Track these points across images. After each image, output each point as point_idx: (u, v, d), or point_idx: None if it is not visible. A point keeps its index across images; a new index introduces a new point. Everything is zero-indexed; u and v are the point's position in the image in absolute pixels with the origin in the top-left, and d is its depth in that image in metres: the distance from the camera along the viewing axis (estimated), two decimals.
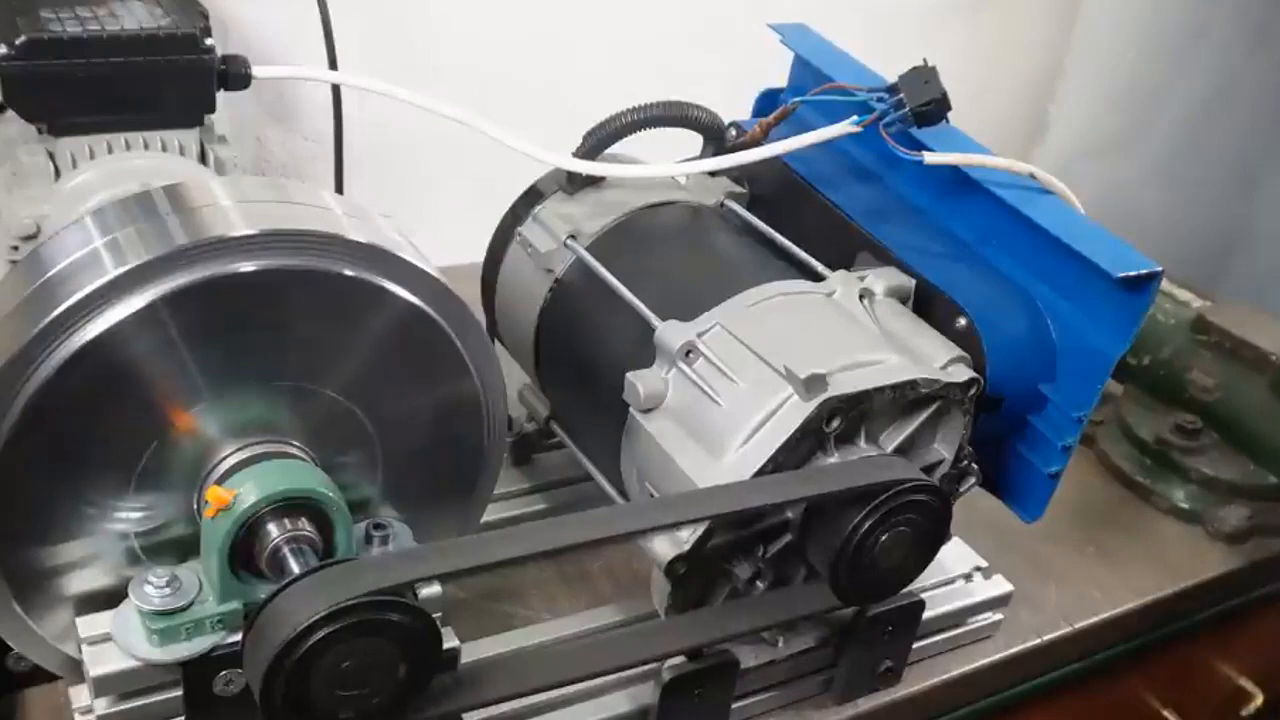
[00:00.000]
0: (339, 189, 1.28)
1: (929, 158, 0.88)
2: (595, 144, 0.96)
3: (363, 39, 1.30)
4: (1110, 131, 1.85)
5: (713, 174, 1.01)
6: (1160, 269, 0.82)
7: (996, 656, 0.98)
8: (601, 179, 0.97)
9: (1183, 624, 1.15)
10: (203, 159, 0.98)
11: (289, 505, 0.68)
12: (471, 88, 1.13)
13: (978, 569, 0.99)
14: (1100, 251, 0.83)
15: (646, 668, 0.80)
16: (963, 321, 0.85)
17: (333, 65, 1.19)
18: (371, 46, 1.34)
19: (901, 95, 0.87)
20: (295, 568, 0.66)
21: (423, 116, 0.96)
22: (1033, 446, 0.89)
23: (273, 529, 0.67)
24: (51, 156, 0.93)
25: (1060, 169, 0.92)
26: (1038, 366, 0.87)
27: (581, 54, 1.50)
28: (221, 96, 0.96)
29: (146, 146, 0.95)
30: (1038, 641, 1.01)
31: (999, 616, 1.00)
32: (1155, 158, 1.82)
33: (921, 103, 0.87)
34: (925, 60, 0.89)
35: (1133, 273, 0.81)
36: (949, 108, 0.88)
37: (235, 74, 0.96)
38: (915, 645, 0.92)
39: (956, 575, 0.98)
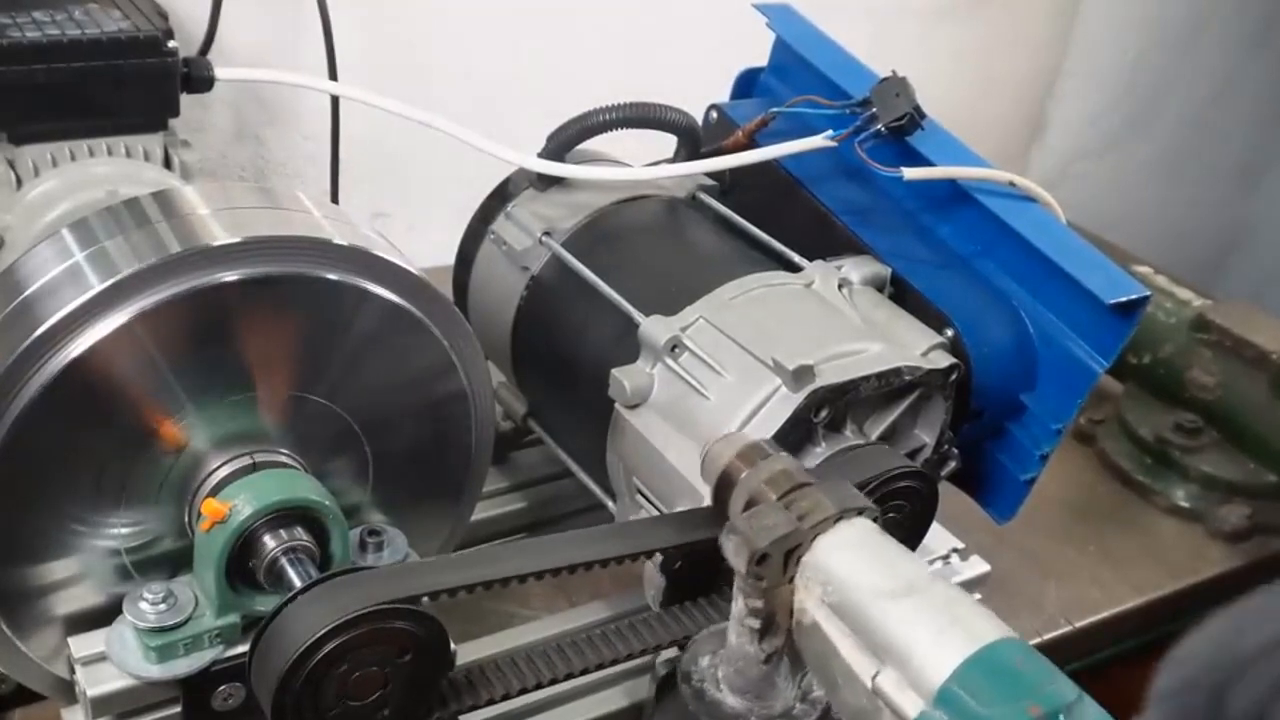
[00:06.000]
0: (335, 189, 1.27)
1: (907, 173, 0.89)
2: (560, 144, 0.95)
3: (363, 44, 1.30)
4: (1110, 130, 1.87)
5: None
6: (1149, 294, 0.83)
7: None
8: None
9: (1183, 623, 1.15)
10: (166, 163, 0.96)
11: (284, 515, 0.67)
12: (469, 88, 1.13)
13: (955, 550, 1.01)
14: (1091, 274, 0.84)
15: (641, 663, 0.80)
16: (950, 333, 0.85)
17: (333, 71, 1.18)
18: (371, 50, 1.33)
19: (875, 110, 0.88)
20: (295, 578, 0.66)
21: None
22: (1010, 453, 0.91)
23: (269, 540, 0.67)
24: (12, 165, 0.91)
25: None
26: (1020, 376, 0.88)
27: (576, 46, 1.49)
28: (219, 97, 0.94)
29: (110, 152, 0.93)
30: (1038, 641, 1.01)
31: (977, 597, 1.01)
32: (1155, 156, 1.84)
33: (894, 118, 0.88)
34: (894, 71, 0.90)
35: (1124, 299, 0.83)
36: (922, 118, 0.89)
37: (198, 76, 0.94)
38: None
39: (936, 557, 0.99)
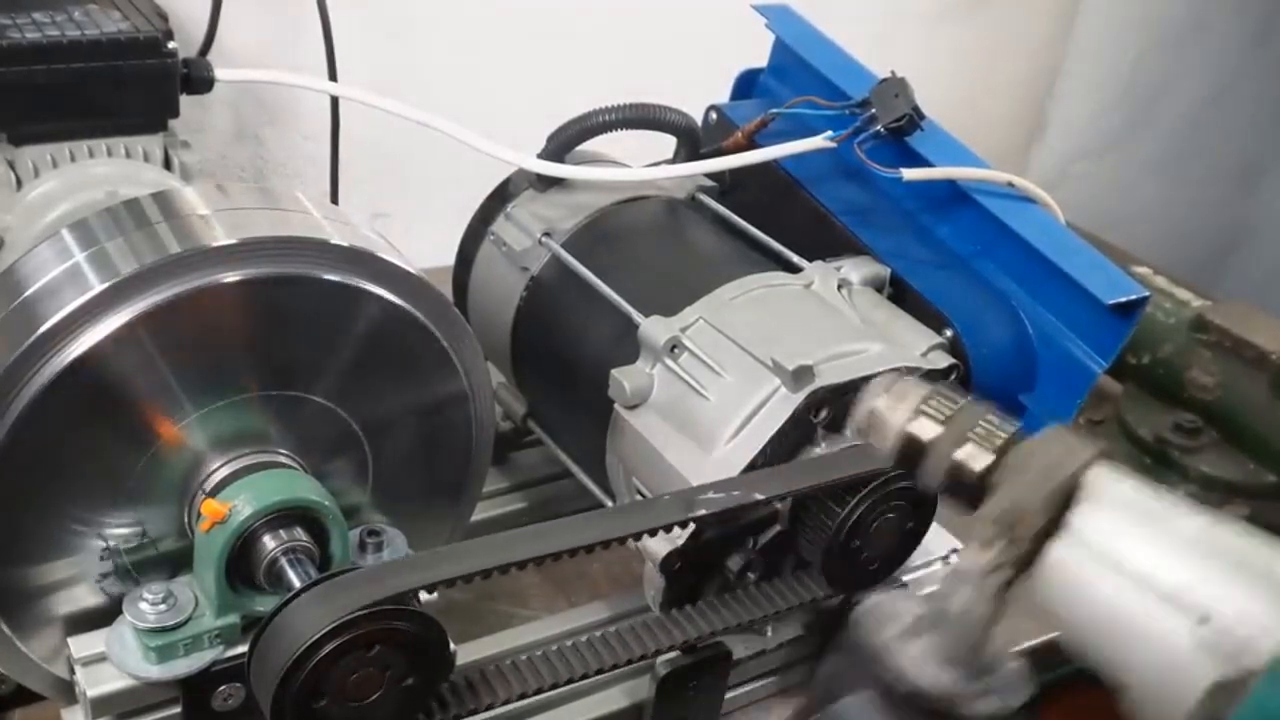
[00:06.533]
0: (335, 189, 1.27)
1: (907, 174, 0.89)
2: (560, 145, 0.95)
3: (363, 45, 1.30)
4: (1110, 130, 1.86)
5: None
6: (1148, 294, 0.84)
7: None
8: None
9: None
10: (166, 164, 0.96)
11: (284, 516, 0.67)
12: (469, 88, 1.13)
13: (954, 550, 1.00)
14: (1090, 274, 0.84)
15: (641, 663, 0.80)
16: (949, 333, 0.86)
17: (332, 71, 1.19)
18: (371, 50, 1.33)
19: (874, 111, 0.88)
20: (294, 579, 0.66)
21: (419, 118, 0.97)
22: None
23: (269, 541, 0.67)
24: (12, 166, 0.90)
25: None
26: (1019, 376, 0.89)
27: (576, 47, 1.50)
28: (219, 97, 0.94)
29: (109, 153, 0.93)
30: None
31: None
32: (1155, 156, 1.84)
33: (893, 119, 0.88)
34: (893, 72, 0.90)
35: (1123, 299, 0.83)
36: (922, 119, 0.89)
37: (198, 77, 0.94)
38: None
39: (935, 558, 0.99)
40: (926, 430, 0.55)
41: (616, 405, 0.82)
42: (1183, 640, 0.48)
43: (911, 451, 0.56)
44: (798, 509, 0.78)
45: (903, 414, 0.56)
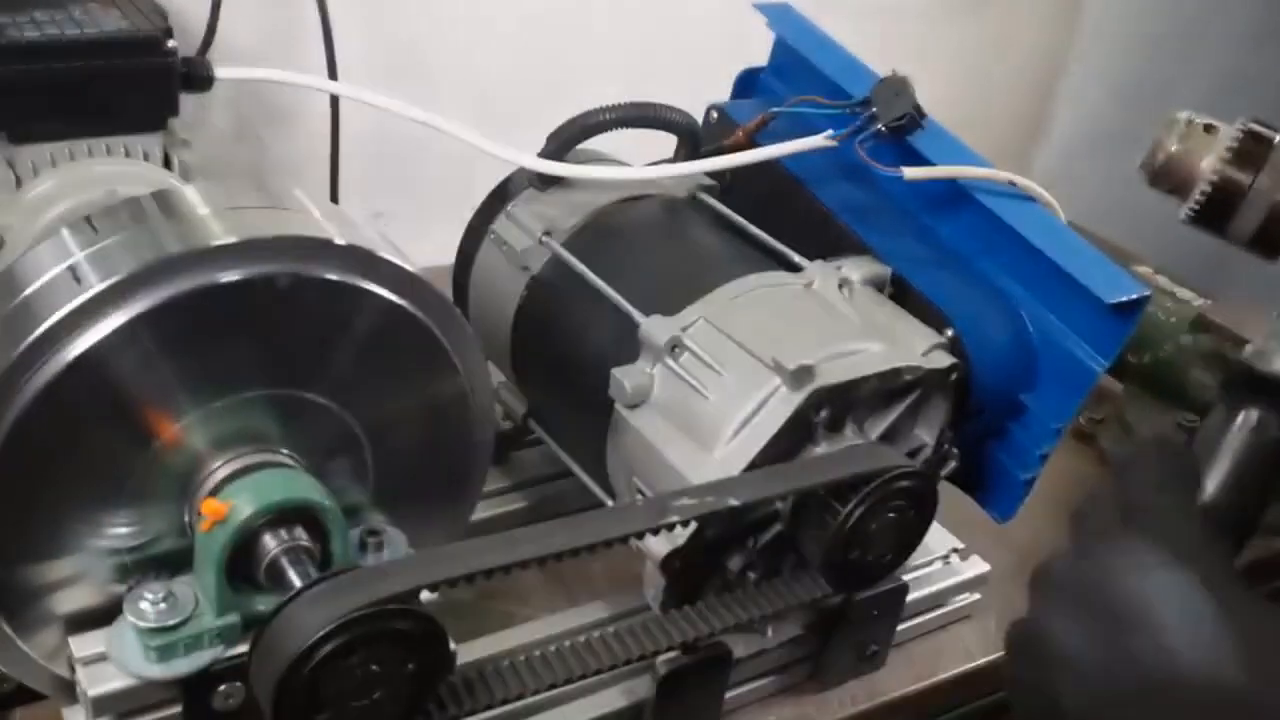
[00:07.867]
0: (335, 189, 1.27)
1: (908, 173, 0.89)
2: (560, 144, 0.95)
3: (363, 44, 1.30)
4: (1113, 128, 1.86)
5: None
6: (1149, 293, 0.84)
7: (995, 656, 0.97)
8: None
9: None
10: (166, 163, 0.96)
11: (285, 515, 0.67)
12: (470, 88, 1.13)
13: (955, 551, 1.01)
14: (1091, 273, 0.84)
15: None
16: (950, 333, 0.85)
17: (332, 70, 1.19)
18: (371, 49, 1.33)
19: (875, 110, 0.88)
20: (295, 579, 0.66)
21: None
22: (1010, 452, 0.90)
23: (269, 540, 0.67)
24: (11, 165, 0.90)
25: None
26: (1020, 376, 0.88)
27: (577, 47, 1.50)
28: (219, 96, 0.95)
29: (109, 152, 0.93)
30: None
31: (977, 596, 1.01)
32: None
33: (894, 118, 0.88)
34: (894, 71, 0.90)
35: (1124, 298, 0.83)
36: (923, 118, 0.89)
37: (197, 76, 0.94)
38: (899, 628, 0.93)
39: (935, 557, 0.99)
40: (1239, 176, 0.48)
41: (617, 405, 0.82)
42: None
43: (1224, 196, 0.49)
44: (798, 509, 0.78)
45: (1211, 161, 0.49)
